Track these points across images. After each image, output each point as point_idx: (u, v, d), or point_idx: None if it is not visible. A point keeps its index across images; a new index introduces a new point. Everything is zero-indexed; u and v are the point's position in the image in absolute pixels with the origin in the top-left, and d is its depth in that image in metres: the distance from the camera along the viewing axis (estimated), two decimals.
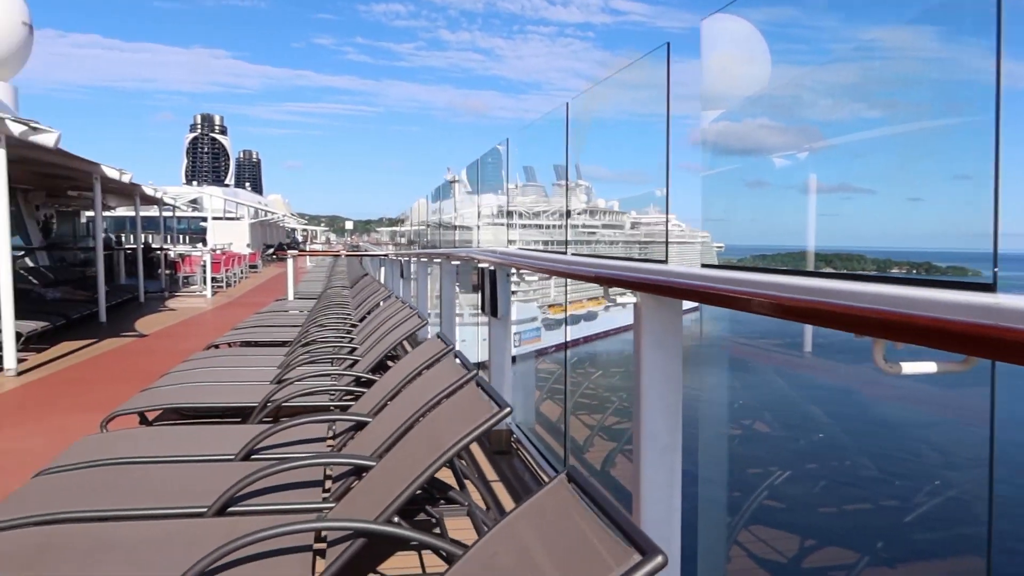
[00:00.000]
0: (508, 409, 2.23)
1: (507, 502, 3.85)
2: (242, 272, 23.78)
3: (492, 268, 4.58)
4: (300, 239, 64.41)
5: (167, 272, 19.36)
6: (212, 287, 18.04)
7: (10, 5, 16.47)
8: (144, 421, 4.45)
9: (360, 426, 3.43)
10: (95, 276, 17.43)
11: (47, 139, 6.22)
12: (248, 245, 31.71)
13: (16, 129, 6.03)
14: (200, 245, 28.16)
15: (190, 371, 5.22)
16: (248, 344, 7.02)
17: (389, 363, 5.01)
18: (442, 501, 2.70)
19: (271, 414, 4.16)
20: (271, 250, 34.67)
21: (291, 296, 12.61)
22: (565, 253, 4.10)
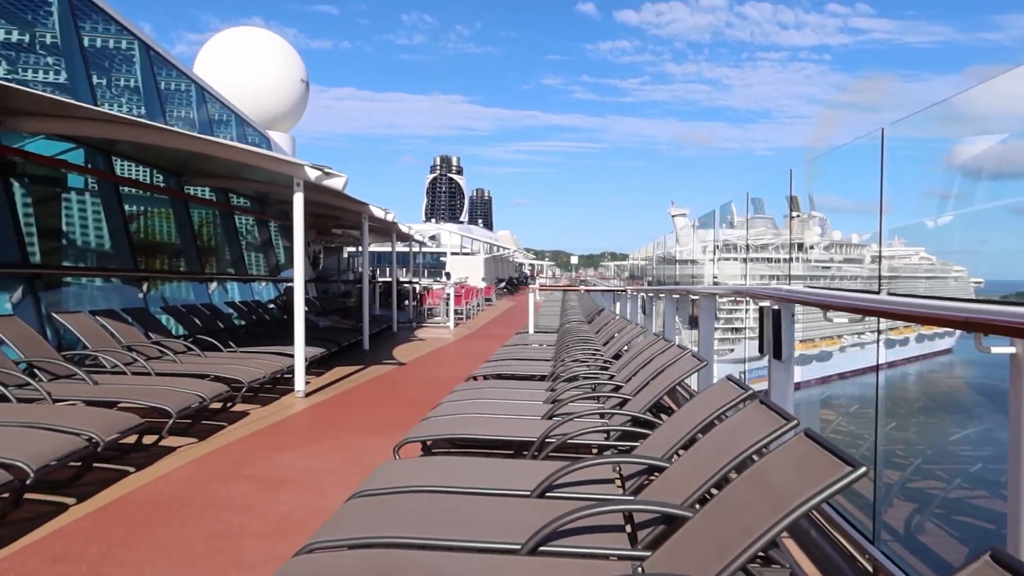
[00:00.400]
0: (863, 469, 1.98)
1: (805, 564, 3.53)
2: (479, 305, 24.91)
3: (776, 307, 4.29)
4: (527, 273, 66.57)
5: (413, 304, 20.68)
6: (454, 319, 18.98)
7: (291, 64, 18.76)
8: (425, 449, 4.65)
9: (652, 470, 3.31)
10: (355, 306, 19.09)
11: (337, 183, 6.83)
12: (483, 279, 33.23)
13: (312, 174, 6.67)
14: (442, 278, 29.96)
15: (460, 402, 5.41)
16: (503, 377, 7.20)
17: (662, 403, 4.87)
18: (759, 559, 2.48)
19: (546, 448, 4.16)
20: (502, 284, 36.03)
21: (532, 330, 12.87)
22: (876, 290, 3.73)
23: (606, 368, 6.69)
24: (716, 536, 2.26)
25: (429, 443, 4.64)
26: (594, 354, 7.88)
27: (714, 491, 2.76)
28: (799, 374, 6.62)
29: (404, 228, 16.71)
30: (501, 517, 3.00)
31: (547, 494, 3.21)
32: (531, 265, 75.67)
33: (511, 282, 43.46)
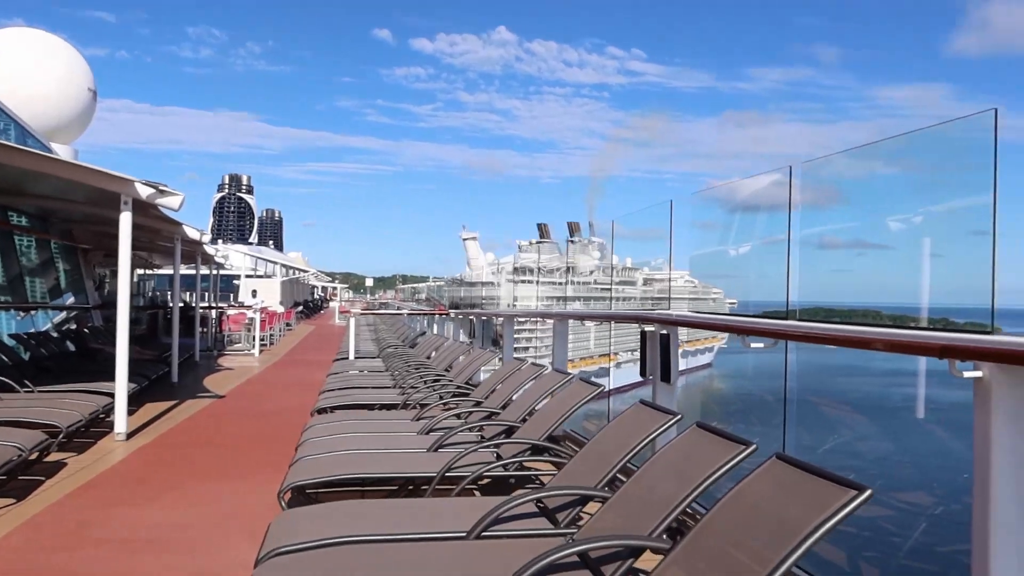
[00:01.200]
0: (754, 446, 2.08)
1: None
2: (280, 330, 23.67)
3: (664, 331, 4.41)
4: (322, 296, 64.46)
5: (211, 331, 19.20)
6: (260, 345, 17.89)
7: (78, 72, 16.69)
8: (303, 494, 4.27)
9: (585, 500, 3.25)
10: (146, 334, 17.35)
11: (172, 201, 6.16)
12: (281, 302, 31.68)
13: (144, 191, 5.97)
14: (235, 302, 28.10)
15: (325, 439, 5.03)
16: (352, 407, 6.84)
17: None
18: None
19: (445, 483, 3.98)
20: (299, 308, 34.58)
21: (352, 355, 12.39)
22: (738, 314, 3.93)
23: (465, 394, 6.57)
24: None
25: (305, 488, 4.23)
26: (438, 379, 7.72)
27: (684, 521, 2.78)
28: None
29: (211, 250, 15.53)
30: (447, 564, 2.80)
31: (483, 534, 3.04)
32: (324, 288, 73.42)
33: (307, 306, 41.90)
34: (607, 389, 5.31)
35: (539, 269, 61.81)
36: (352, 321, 13.38)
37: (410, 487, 4.38)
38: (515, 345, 14.88)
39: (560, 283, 61.45)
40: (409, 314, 19.07)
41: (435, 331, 14.90)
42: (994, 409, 2.20)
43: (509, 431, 4.72)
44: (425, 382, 7.54)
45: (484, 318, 11.90)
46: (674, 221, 5.80)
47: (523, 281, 60.42)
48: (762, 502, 2.26)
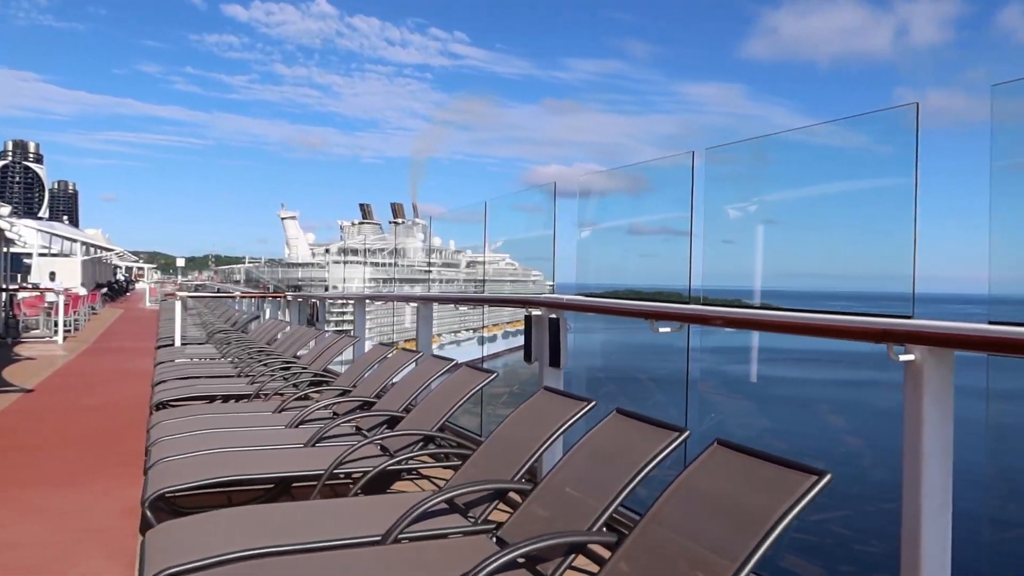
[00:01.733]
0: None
1: None
2: (85, 315, 21.44)
3: (554, 315, 4.34)
4: (127, 277, 59.35)
5: (1, 316, 17.03)
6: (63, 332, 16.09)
7: None
8: (164, 501, 3.81)
9: (503, 494, 3.13)
10: None
11: None
12: (82, 284, 28.70)
13: None
14: (34, 283, 25.12)
15: (182, 438, 4.55)
16: (196, 399, 6.29)
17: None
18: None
19: (331, 480, 3.72)
20: (103, 290, 31.56)
21: (179, 342, 11.45)
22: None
23: (326, 383, 6.22)
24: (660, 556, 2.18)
25: (168, 495, 3.76)
26: (288, 366, 7.28)
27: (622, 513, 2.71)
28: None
29: (4, 223, 13.73)
30: (368, 573, 2.57)
31: (400, 537, 2.82)
32: (129, 268, 67.64)
33: (111, 288, 38.37)
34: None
35: (367, 251, 60.56)
36: (179, 305, 12.32)
37: (294, 487, 4.04)
38: (333, 327, 14.39)
39: (386, 264, 60.64)
40: (242, 296, 17.82)
41: (268, 315, 14.07)
42: (925, 391, 2.29)
43: (392, 422, 4.48)
44: (273, 370, 7.07)
45: (338, 302, 11.42)
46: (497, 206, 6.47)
47: (351, 262, 58.95)
48: (714, 491, 2.24)
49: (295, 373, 6.73)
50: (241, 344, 9.74)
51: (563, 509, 2.70)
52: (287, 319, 12.50)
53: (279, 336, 9.76)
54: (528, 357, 4.57)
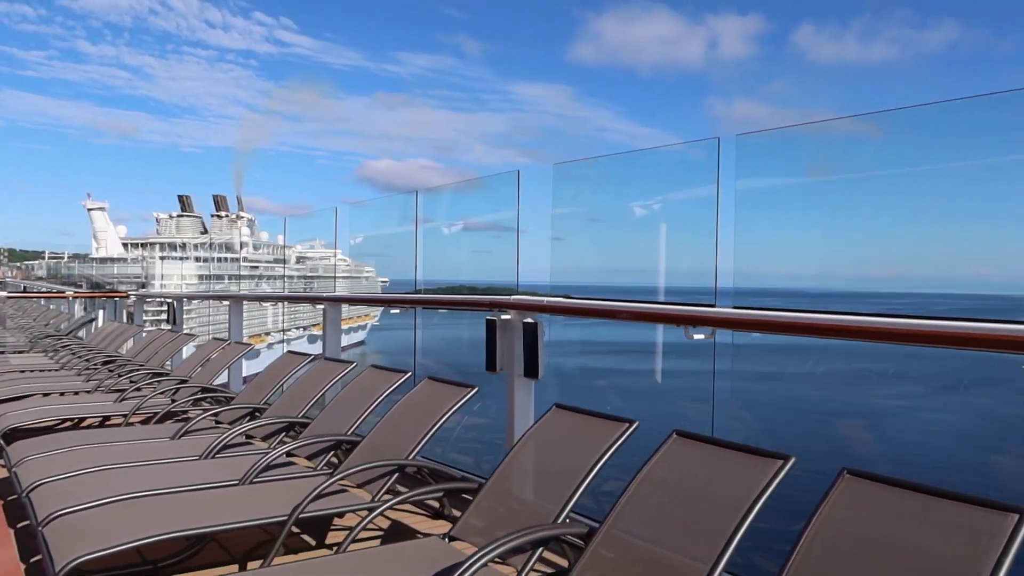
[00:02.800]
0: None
1: None
2: None
3: (530, 320, 3.83)
4: None
5: None
6: None
7: None
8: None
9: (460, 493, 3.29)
10: None
11: None
12: None
13: None
14: None
15: (68, 482, 3.52)
16: (54, 430, 5.11)
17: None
18: None
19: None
20: None
21: None
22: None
23: (224, 400, 5.32)
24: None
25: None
26: (157, 377, 6.27)
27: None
28: (247, 367, 7.03)
29: None
30: None
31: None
32: None
33: None
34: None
35: (191, 245, 56.45)
36: None
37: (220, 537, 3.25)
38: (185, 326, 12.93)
39: (213, 260, 56.99)
40: (75, 297, 15.38)
41: (103, 317, 12.29)
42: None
43: (348, 447, 3.75)
44: (142, 384, 6.01)
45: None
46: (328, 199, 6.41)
47: (177, 258, 54.67)
48: (683, 481, 2.34)
49: (174, 388, 5.74)
50: (84, 354, 8.36)
51: (517, 505, 2.75)
52: (133, 322, 10.98)
53: (131, 342, 8.48)
54: (490, 366, 4.00)
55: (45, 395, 6.13)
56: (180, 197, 79.56)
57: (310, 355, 5.14)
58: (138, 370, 6.67)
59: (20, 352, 9.77)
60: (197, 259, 54.95)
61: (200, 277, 50.66)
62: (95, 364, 7.48)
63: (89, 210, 72.85)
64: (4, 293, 12.41)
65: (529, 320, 3.88)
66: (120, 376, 6.56)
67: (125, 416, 5.15)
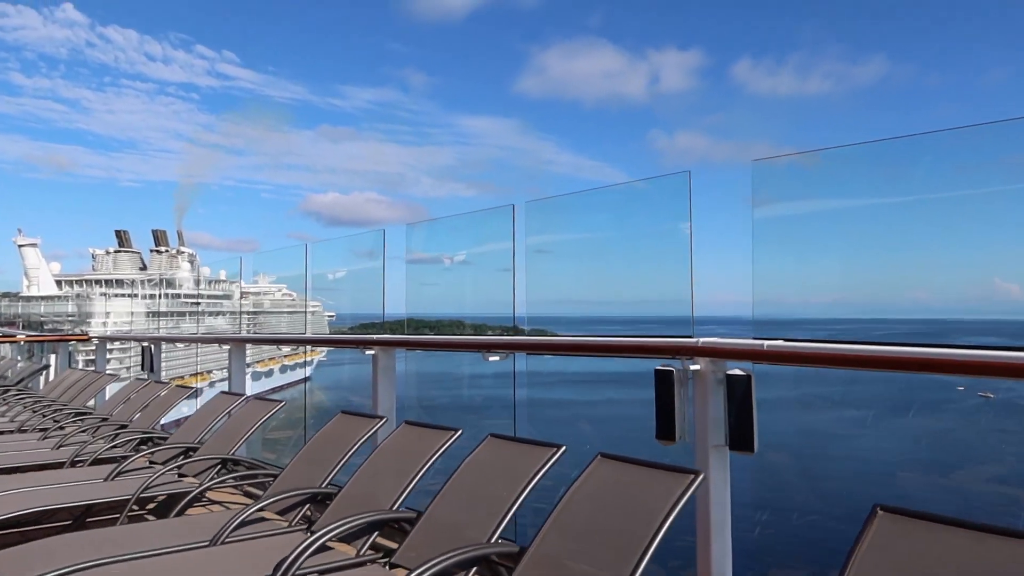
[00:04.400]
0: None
1: None
2: None
3: (742, 372, 3.07)
4: None
5: None
6: None
7: None
8: None
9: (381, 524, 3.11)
10: None
11: None
12: None
13: None
14: None
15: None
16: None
17: None
18: None
19: None
20: None
21: None
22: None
23: (157, 440, 5.13)
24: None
25: None
26: (107, 423, 6.02)
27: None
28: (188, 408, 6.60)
29: None
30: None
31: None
32: None
33: None
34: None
35: (132, 282, 54.76)
36: None
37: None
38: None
39: (154, 296, 55.55)
40: (27, 341, 13.57)
41: (56, 363, 11.26)
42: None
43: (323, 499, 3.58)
44: (129, 444, 5.40)
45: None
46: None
47: (122, 295, 52.92)
48: (605, 499, 2.49)
49: (181, 458, 4.76)
50: (43, 407, 7.28)
51: (454, 530, 2.80)
52: (97, 368, 10.08)
53: (105, 393, 7.74)
54: (670, 434, 3.23)
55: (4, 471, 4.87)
56: (117, 232, 77.09)
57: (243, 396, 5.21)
58: (120, 431, 5.80)
59: None
60: (144, 296, 53.18)
61: (148, 315, 48.99)
62: (61, 422, 6.40)
63: (20, 246, 70.06)
64: None
65: (738, 372, 3.03)
66: (103, 440, 5.51)
67: (125, 503, 3.89)
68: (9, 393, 8.83)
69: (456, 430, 3.31)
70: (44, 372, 10.68)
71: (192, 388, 5.20)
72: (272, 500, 3.47)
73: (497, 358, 3.95)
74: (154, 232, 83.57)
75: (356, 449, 3.68)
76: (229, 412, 5.02)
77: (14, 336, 13.95)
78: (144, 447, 5.21)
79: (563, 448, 2.79)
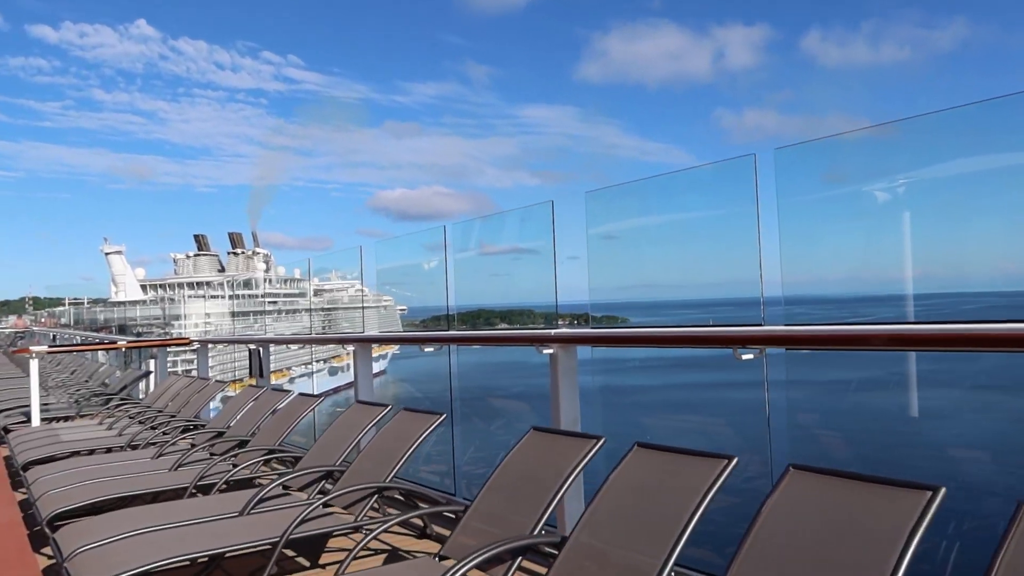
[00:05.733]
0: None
1: None
2: None
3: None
4: None
5: None
6: None
7: None
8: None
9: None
10: None
11: None
12: None
13: None
14: None
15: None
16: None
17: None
18: None
19: None
20: None
21: (36, 419, 7.80)
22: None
23: (285, 459, 5.00)
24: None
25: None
26: (221, 437, 5.51)
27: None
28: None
29: None
30: None
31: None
32: None
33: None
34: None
35: (212, 284, 56.62)
36: (35, 367, 7.95)
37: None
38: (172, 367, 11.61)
39: (237, 297, 57.29)
40: (129, 347, 13.23)
41: (156, 369, 10.39)
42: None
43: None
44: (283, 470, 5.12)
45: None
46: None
47: (205, 296, 54.82)
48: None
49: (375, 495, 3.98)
50: (151, 418, 6.91)
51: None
52: (199, 374, 9.54)
53: (218, 403, 7.60)
54: None
55: (122, 499, 4.45)
56: (196, 236, 79.92)
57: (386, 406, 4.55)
58: (241, 449, 5.17)
59: (66, 419, 8.36)
60: (224, 296, 54.78)
61: (232, 315, 50.28)
62: (172, 437, 5.93)
63: (107, 254, 73.19)
64: (44, 347, 10.25)
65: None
66: (221, 458, 4.94)
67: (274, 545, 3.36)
68: (112, 403, 8.66)
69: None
70: (146, 379, 10.38)
71: (319, 397, 5.00)
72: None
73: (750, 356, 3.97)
74: (230, 235, 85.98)
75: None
76: (374, 425, 4.30)
77: (115, 343, 13.77)
78: (269, 467, 4.85)
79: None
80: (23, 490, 4.93)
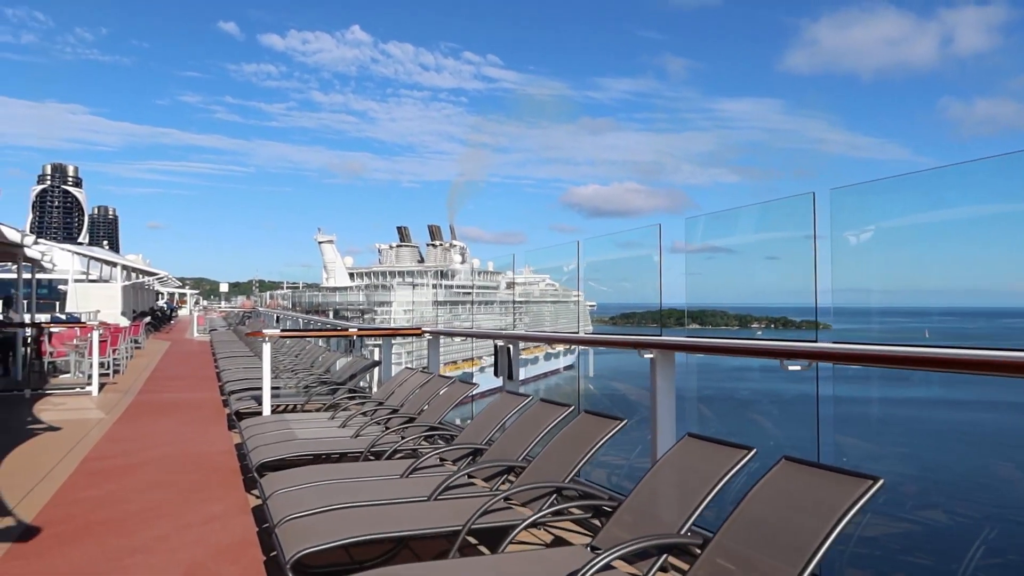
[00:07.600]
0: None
1: None
2: (128, 350, 17.69)
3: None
4: (170, 304, 56.35)
5: (26, 358, 13.34)
6: (99, 378, 12.32)
7: None
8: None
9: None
10: None
11: None
12: (122, 313, 25.51)
13: None
14: (68, 314, 21.97)
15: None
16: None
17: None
18: None
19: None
20: (147, 319, 28.14)
21: (267, 409, 7.39)
22: None
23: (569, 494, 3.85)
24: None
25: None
26: (481, 455, 4.70)
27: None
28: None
29: (34, 253, 10.36)
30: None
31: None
32: (172, 295, 64.85)
33: (155, 316, 34.97)
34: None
35: (423, 273, 57.41)
36: (267, 351, 7.60)
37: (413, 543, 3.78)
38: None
39: (439, 287, 57.85)
40: (359, 334, 11.91)
41: (382, 359, 9.88)
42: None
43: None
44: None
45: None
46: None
47: (414, 284, 55.74)
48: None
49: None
50: (395, 423, 6.11)
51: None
52: (430, 367, 8.64)
53: (472, 409, 6.95)
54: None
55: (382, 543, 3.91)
56: (399, 228, 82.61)
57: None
58: (512, 474, 4.39)
59: (299, 411, 8.02)
60: (423, 286, 55.36)
61: (435, 304, 50.38)
62: (415, 444, 5.46)
63: (320, 243, 77.19)
64: (277, 332, 10.07)
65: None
66: (485, 480, 4.51)
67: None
68: (339, 393, 8.15)
69: (621, 420, 3.73)
70: (374, 369, 9.57)
71: (621, 422, 3.91)
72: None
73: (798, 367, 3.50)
74: (429, 227, 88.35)
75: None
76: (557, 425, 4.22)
77: (346, 330, 13.03)
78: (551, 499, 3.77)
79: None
80: (255, 492, 5.08)
